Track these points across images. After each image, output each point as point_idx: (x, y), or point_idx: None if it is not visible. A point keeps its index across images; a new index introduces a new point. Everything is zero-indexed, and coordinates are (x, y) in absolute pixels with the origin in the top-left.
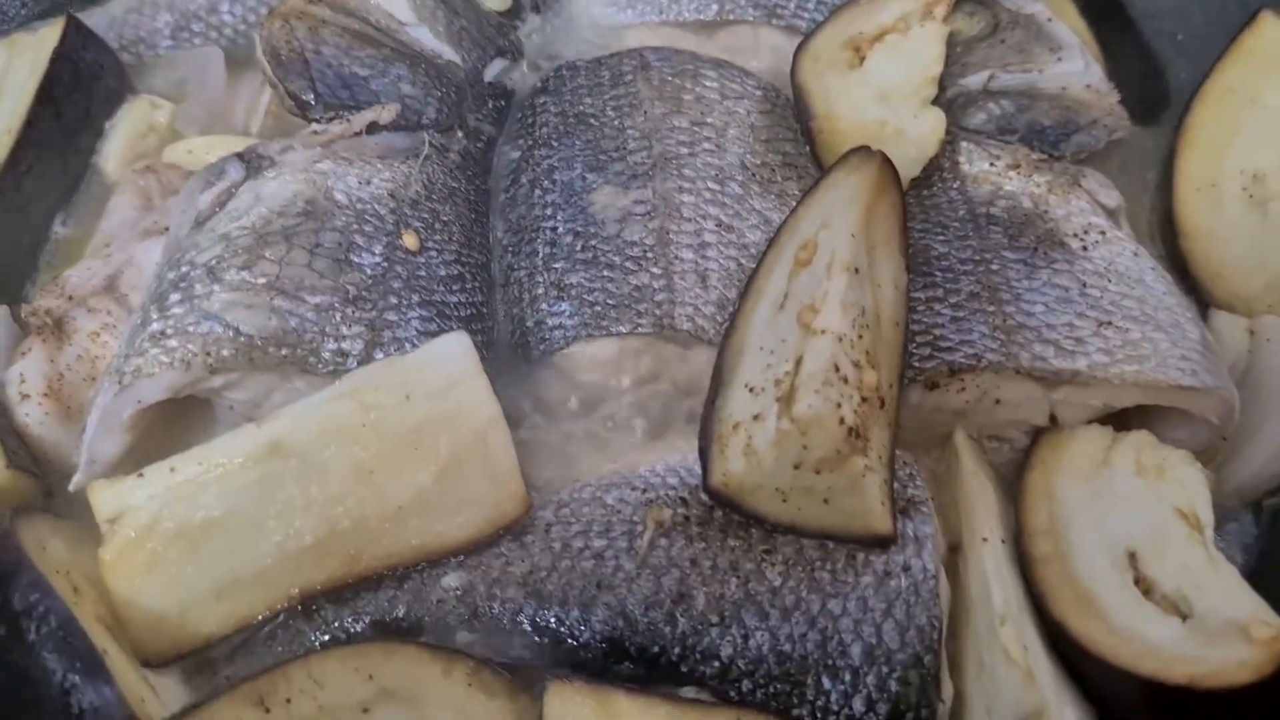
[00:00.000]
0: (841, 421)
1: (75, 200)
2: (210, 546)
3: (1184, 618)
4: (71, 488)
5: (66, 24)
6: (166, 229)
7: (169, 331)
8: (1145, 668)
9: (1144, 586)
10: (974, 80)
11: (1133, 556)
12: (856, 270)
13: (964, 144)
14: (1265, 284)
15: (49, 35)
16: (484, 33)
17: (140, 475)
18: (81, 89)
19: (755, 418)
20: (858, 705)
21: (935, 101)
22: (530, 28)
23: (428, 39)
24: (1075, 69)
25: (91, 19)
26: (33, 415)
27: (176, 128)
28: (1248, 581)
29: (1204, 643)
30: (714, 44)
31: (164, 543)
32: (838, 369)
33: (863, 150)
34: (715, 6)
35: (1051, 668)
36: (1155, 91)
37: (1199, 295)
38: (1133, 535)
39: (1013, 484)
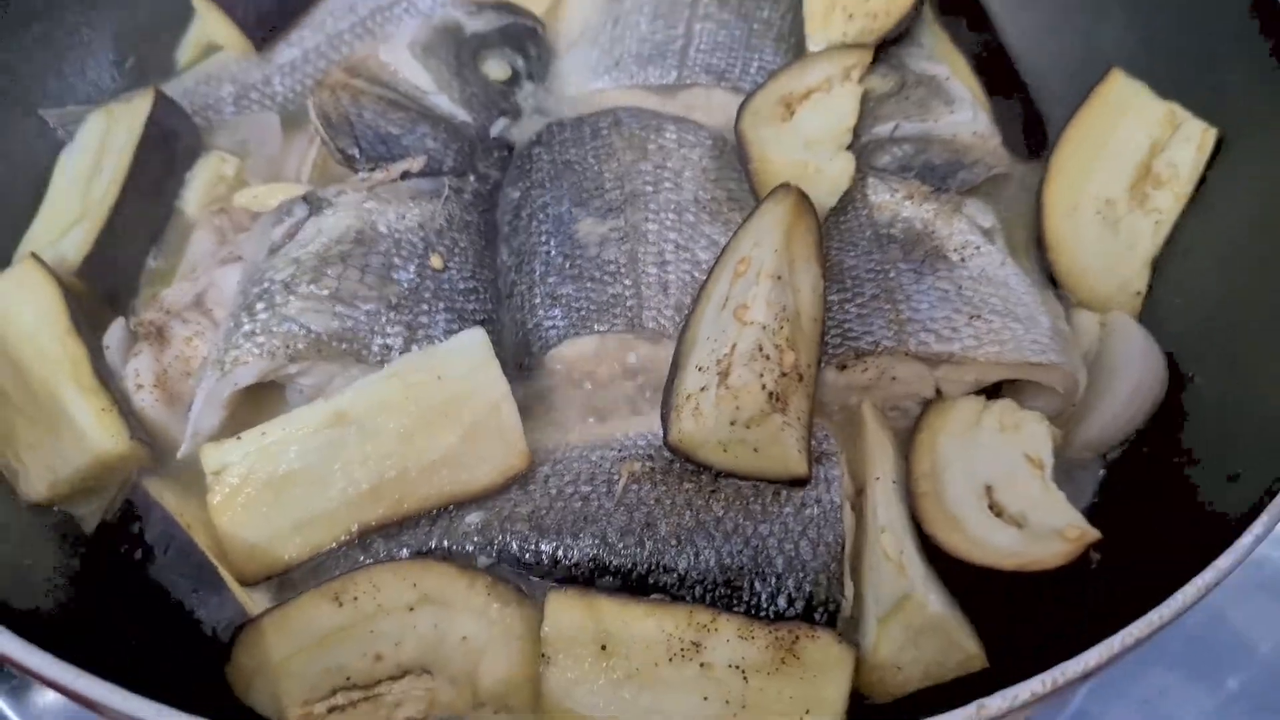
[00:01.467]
0: (764, 388)
1: (164, 236)
2: (291, 492)
3: (1021, 529)
4: (180, 455)
5: (155, 95)
6: (239, 258)
7: (257, 331)
8: (988, 560)
9: (996, 510)
10: (882, 129)
11: (989, 489)
12: (779, 277)
13: (871, 179)
14: (1116, 286)
15: (141, 105)
16: (490, 97)
17: (238, 438)
18: (167, 147)
19: (702, 389)
20: (781, 602)
21: (850, 146)
22: (526, 93)
23: (445, 104)
24: (965, 119)
25: (168, 89)
26: (145, 401)
27: (244, 177)
28: (1093, 512)
29: (1031, 542)
30: (675, 103)
31: (256, 489)
32: (761, 349)
33: (784, 186)
34: (675, 73)
35: (922, 568)
36: (1036, 133)
37: (1064, 297)
38: (991, 474)
39: (906, 443)
